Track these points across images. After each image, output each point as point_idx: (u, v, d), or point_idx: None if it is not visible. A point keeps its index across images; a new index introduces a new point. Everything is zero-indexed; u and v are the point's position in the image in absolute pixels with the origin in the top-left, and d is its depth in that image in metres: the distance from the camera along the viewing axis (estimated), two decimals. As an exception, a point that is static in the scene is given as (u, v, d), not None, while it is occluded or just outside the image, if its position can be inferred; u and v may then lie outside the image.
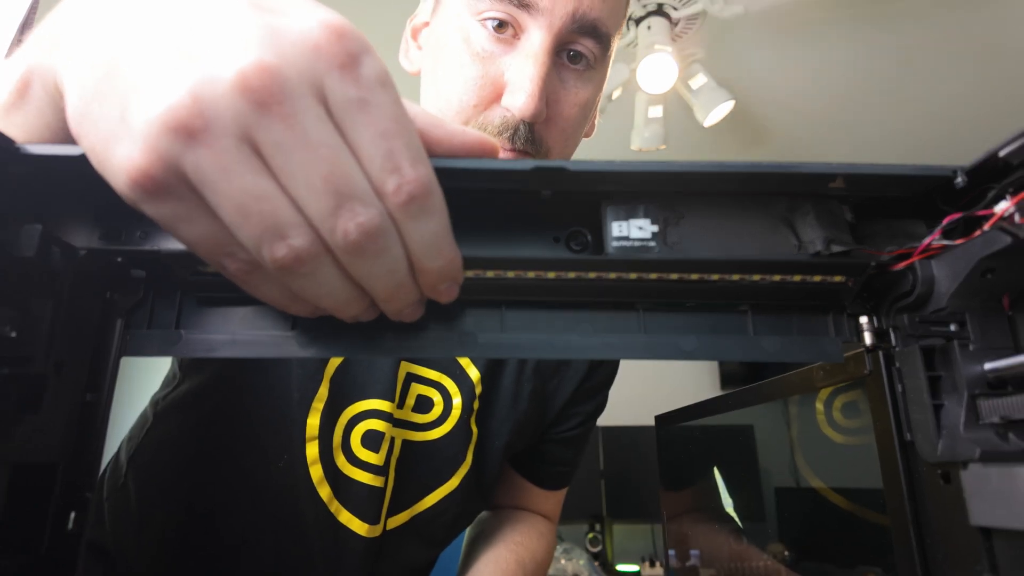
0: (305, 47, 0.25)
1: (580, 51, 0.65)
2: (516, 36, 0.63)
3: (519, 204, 0.32)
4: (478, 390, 0.76)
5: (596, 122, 0.79)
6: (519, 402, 0.79)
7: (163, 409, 0.74)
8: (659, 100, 2.32)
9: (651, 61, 2.06)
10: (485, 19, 0.62)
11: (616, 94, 2.25)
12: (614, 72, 2.19)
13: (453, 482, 0.76)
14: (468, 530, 0.95)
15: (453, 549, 0.89)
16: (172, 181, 0.25)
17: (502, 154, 0.61)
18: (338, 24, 0.26)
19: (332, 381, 0.69)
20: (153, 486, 0.72)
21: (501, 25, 0.62)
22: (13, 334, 0.27)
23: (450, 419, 0.75)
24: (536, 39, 0.61)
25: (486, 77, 0.62)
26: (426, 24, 0.73)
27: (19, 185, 0.28)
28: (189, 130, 0.24)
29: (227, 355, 0.33)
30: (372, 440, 0.70)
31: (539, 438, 0.87)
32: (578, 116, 0.68)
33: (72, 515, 0.30)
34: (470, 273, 0.32)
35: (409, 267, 0.29)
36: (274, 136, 0.24)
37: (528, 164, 0.29)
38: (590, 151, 2.98)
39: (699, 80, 2.22)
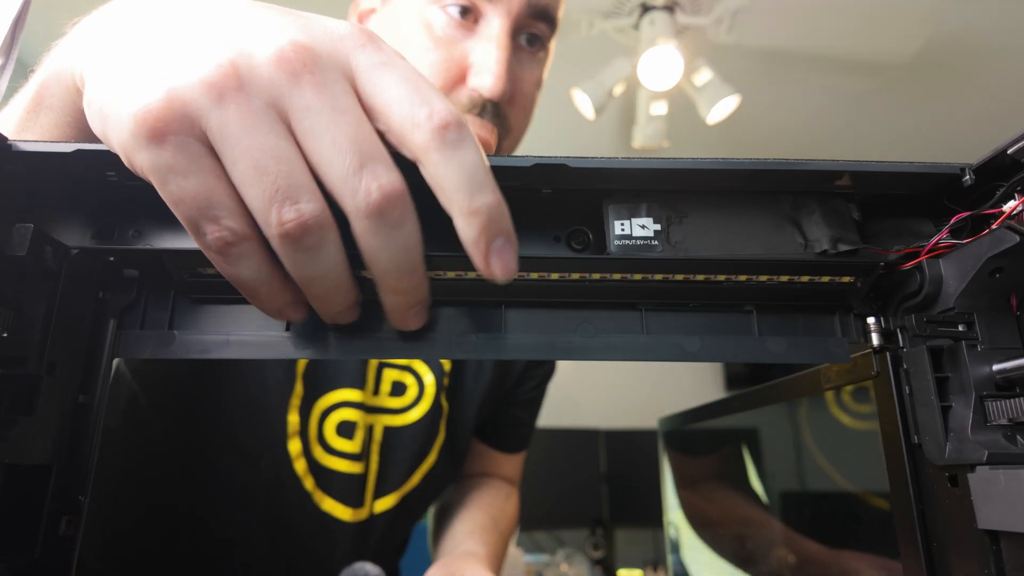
0: (334, 35, 0.28)
1: (536, 34, 0.70)
2: (476, 21, 0.66)
3: (519, 202, 0.31)
4: (447, 368, 0.80)
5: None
6: (483, 373, 0.85)
7: (120, 424, 0.73)
8: (662, 97, 2.31)
9: (654, 55, 2.04)
10: (447, 5, 0.66)
11: (618, 90, 2.24)
12: (617, 67, 2.19)
13: (432, 457, 0.80)
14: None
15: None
16: (181, 128, 0.25)
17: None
18: (362, 26, 0.29)
19: (305, 377, 0.72)
20: (118, 501, 0.71)
21: (464, 11, 0.66)
22: (5, 334, 0.26)
23: (424, 399, 0.78)
24: (496, 24, 0.65)
25: (450, 60, 0.65)
26: (373, 11, 0.75)
27: (10, 183, 0.28)
28: (222, 89, 0.25)
29: (221, 356, 0.32)
30: (346, 429, 0.73)
31: (501, 403, 0.92)
32: (534, 94, 0.73)
33: (65, 519, 0.29)
34: (472, 275, 0.32)
35: (422, 249, 0.28)
36: (304, 101, 0.26)
37: (528, 161, 0.29)
38: (591, 148, 2.98)
39: (703, 76, 2.21)
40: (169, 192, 0.26)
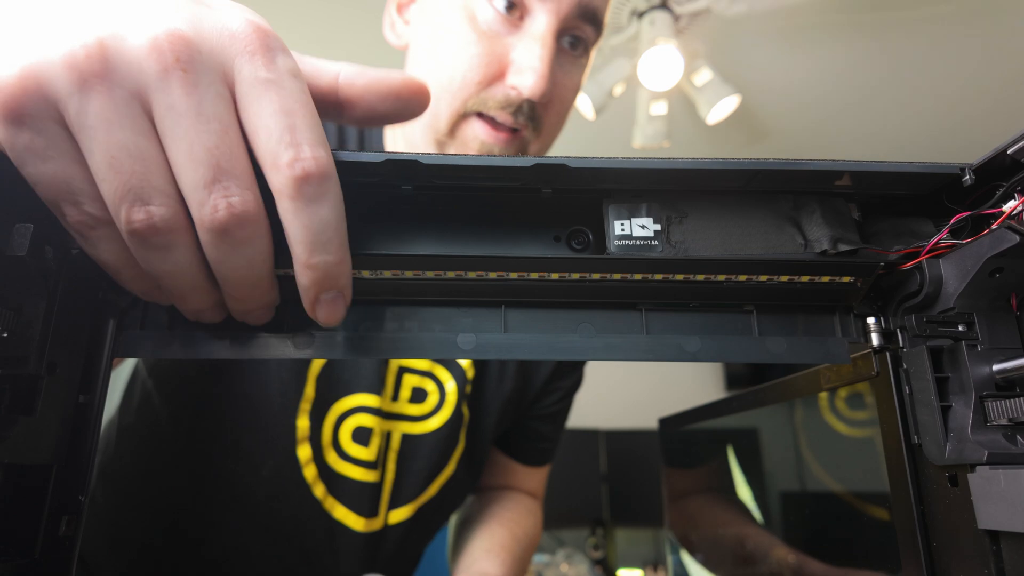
0: (223, 33, 0.26)
1: (581, 36, 0.68)
2: (521, 18, 0.64)
3: (519, 202, 0.31)
4: (469, 375, 0.77)
5: None
6: (504, 380, 0.82)
7: (134, 421, 0.73)
8: (662, 97, 2.32)
9: (654, 55, 2.04)
10: None
11: (618, 90, 2.24)
12: (617, 67, 2.18)
13: (450, 467, 0.77)
14: (456, 513, 0.96)
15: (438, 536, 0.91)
16: (37, 109, 0.24)
17: (498, 134, 0.64)
18: (261, 23, 0.26)
19: (318, 380, 0.69)
20: (126, 500, 0.71)
21: (510, 6, 0.63)
22: (5, 335, 0.26)
23: (445, 407, 0.76)
24: (542, 22, 0.63)
25: (492, 55, 0.64)
26: (413, 0, 0.74)
27: (10, 184, 0.27)
28: (84, 74, 0.23)
29: (220, 356, 0.32)
30: (361, 435, 0.70)
31: (523, 415, 0.89)
32: (571, 99, 0.71)
33: (65, 519, 0.29)
34: (472, 275, 0.32)
35: (271, 266, 0.28)
36: (170, 99, 0.24)
37: (528, 161, 0.28)
38: (590, 148, 2.99)
39: (703, 76, 2.21)
40: (28, 174, 0.25)
